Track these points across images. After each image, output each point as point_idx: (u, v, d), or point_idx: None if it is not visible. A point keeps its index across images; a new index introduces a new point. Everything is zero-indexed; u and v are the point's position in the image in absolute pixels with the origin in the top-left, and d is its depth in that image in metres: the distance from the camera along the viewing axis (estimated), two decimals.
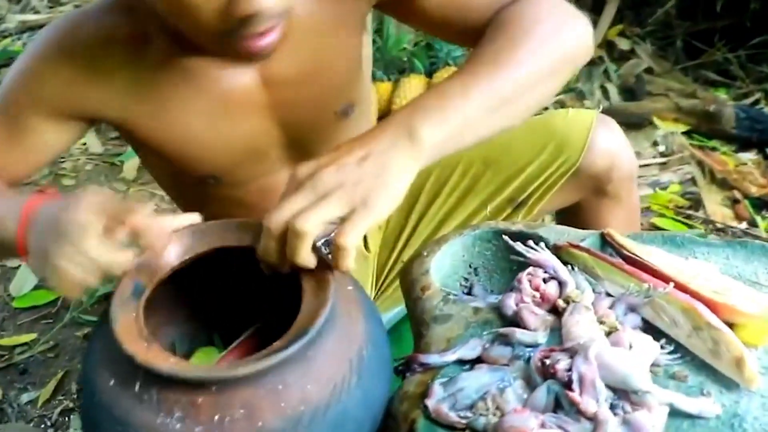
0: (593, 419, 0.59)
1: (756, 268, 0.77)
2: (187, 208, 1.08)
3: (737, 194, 1.78)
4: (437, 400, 0.66)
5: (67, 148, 0.97)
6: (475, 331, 0.74)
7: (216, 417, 0.58)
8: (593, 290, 0.74)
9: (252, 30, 0.73)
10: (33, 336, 1.62)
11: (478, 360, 0.71)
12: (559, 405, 0.62)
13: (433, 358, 0.71)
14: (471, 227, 0.88)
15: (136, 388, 0.60)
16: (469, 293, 0.86)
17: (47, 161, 0.96)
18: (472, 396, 0.65)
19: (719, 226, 1.70)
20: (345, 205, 0.65)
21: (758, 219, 1.70)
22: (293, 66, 0.87)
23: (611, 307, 0.71)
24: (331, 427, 0.61)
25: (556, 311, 0.73)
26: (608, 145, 1.02)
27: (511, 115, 0.76)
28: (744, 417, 0.62)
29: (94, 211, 0.66)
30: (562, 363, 0.62)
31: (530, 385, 0.65)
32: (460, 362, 0.71)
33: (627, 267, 0.73)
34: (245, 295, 0.79)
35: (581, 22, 0.81)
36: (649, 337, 0.67)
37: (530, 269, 0.75)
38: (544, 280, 0.75)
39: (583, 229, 1.19)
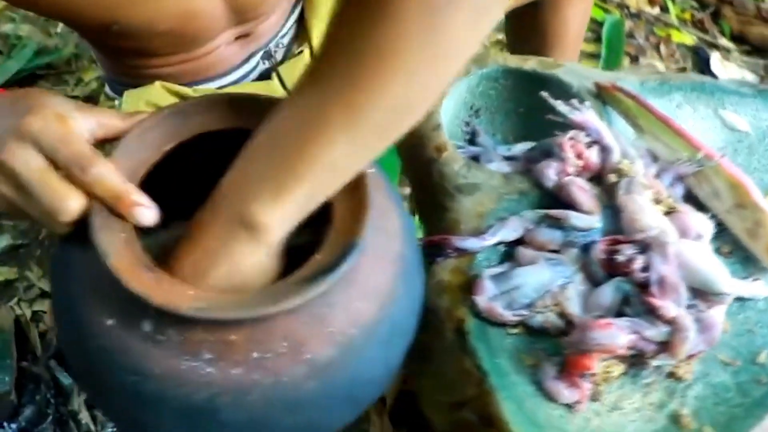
0: (671, 323, 0.54)
1: None
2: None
3: None
4: (488, 297, 0.57)
5: None
6: (510, 205, 0.63)
7: (254, 354, 0.46)
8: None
9: None
10: None
11: (519, 241, 0.62)
12: (626, 303, 0.57)
13: (471, 243, 0.60)
14: (478, 65, 0.73)
15: (147, 327, 0.45)
16: (471, 140, 0.75)
17: None
18: (531, 295, 0.56)
19: (633, 11, 1.63)
20: None
21: (670, 4, 1.64)
22: None
23: (657, 175, 0.64)
24: (382, 346, 0.51)
25: (596, 179, 0.64)
26: None
27: (399, 126, 0.48)
28: None
29: (35, 140, 0.46)
30: (637, 262, 0.54)
31: (589, 278, 0.58)
32: (497, 243, 0.62)
33: (675, 125, 0.64)
34: None
35: None
36: (703, 216, 0.61)
37: (572, 133, 0.63)
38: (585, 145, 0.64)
39: (537, 26, 1.08)
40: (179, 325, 0.45)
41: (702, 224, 0.59)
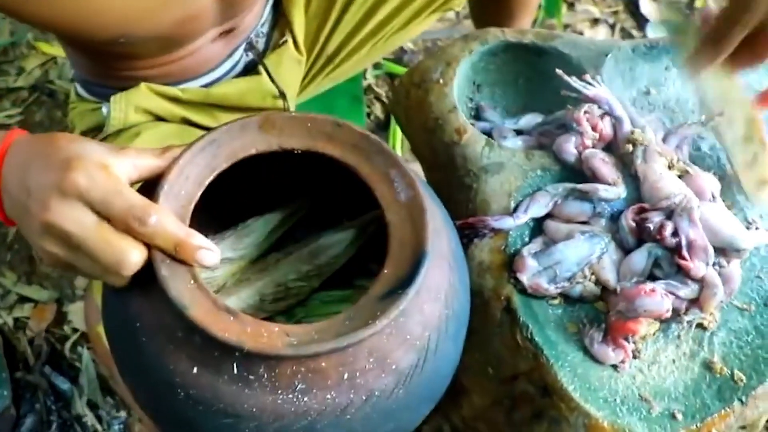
0: (700, 281, 0.58)
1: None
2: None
3: None
4: (532, 274, 0.60)
5: None
6: (534, 181, 0.65)
7: (345, 375, 0.46)
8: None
9: None
10: None
11: (547, 215, 0.64)
12: (655, 266, 0.60)
13: (506, 222, 0.62)
14: (479, 41, 0.73)
15: (235, 370, 0.45)
16: (476, 115, 0.76)
17: None
18: (573, 269, 0.59)
19: None
20: None
21: None
22: None
23: (664, 140, 0.67)
24: (451, 342, 0.52)
25: (608, 148, 0.67)
26: None
27: None
28: None
29: (83, 197, 0.44)
30: (668, 228, 0.58)
31: (620, 246, 0.61)
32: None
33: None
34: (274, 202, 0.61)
35: None
36: (710, 175, 0.65)
37: (586, 107, 0.65)
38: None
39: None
40: (268, 362, 0.45)
41: (712, 184, 0.63)
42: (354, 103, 1.15)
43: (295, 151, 0.50)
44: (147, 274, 0.45)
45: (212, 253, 0.46)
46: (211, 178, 0.49)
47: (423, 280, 0.48)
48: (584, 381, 0.57)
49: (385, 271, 0.47)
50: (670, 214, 0.60)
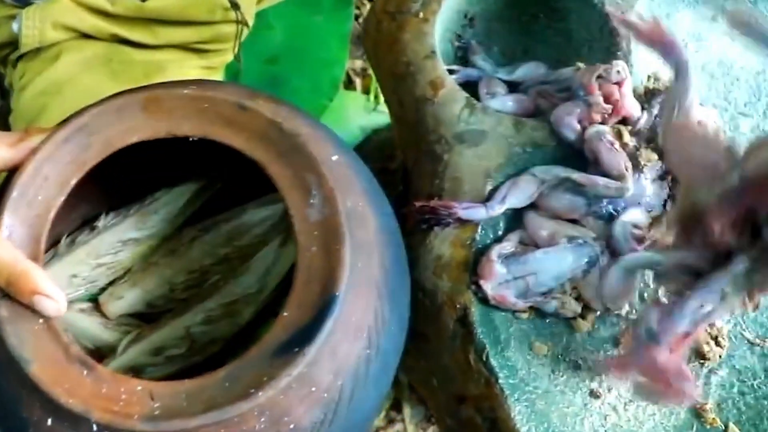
0: None
1: None
2: None
3: None
4: (498, 283, 0.47)
5: None
6: (521, 159, 0.51)
7: None
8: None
9: None
10: None
11: (530, 204, 0.51)
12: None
13: (477, 213, 0.49)
14: None
15: (94, 428, 0.35)
16: (464, 58, 0.60)
17: None
18: (550, 284, 0.47)
19: None
20: None
21: None
22: None
23: None
24: (372, 385, 0.40)
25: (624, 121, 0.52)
26: None
27: None
28: None
29: None
30: None
31: (613, 256, 0.49)
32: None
33: None
34: None
35: None
36: None
37: (602, 69, 0.50)
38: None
39: None
40: None
41: None
42: (340, 3, 0.96)
43: (190, 138, 0.39)
44: None
45: (52, 302, 0.35)
46: (80, 176, 0.38)
47: (334, 324, 0.37)
48: (542, 420, 0.46)
49: (285, 314, 0.36)
50: None
